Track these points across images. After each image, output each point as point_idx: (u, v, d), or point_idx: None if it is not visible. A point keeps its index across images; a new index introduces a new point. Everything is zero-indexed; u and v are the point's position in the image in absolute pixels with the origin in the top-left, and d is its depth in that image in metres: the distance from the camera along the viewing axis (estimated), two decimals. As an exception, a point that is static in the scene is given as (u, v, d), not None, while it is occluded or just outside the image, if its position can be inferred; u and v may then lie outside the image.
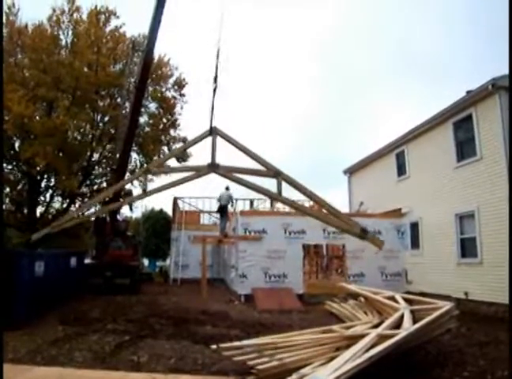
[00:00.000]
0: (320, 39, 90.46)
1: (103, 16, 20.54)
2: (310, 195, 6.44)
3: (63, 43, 20.06)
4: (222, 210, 16.87)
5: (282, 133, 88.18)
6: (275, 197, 6.40)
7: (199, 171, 6.70)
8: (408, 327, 6.17)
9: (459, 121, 12.91)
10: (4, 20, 18.75)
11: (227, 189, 17.02)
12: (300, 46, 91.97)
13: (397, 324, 6.59)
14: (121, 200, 19.18)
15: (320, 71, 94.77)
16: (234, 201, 17.16)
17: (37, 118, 18.51)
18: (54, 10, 19.73)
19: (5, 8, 18.71)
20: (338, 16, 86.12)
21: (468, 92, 12.58)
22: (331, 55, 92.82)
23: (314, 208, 22.90)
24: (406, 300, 8.21)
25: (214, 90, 6.39)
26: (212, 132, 6.70)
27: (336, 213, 6.23)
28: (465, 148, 12.63)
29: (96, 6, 20.25)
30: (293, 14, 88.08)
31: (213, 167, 6.56)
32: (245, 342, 6.05)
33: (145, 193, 8.82)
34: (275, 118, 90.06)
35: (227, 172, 6.62)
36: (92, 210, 9.53)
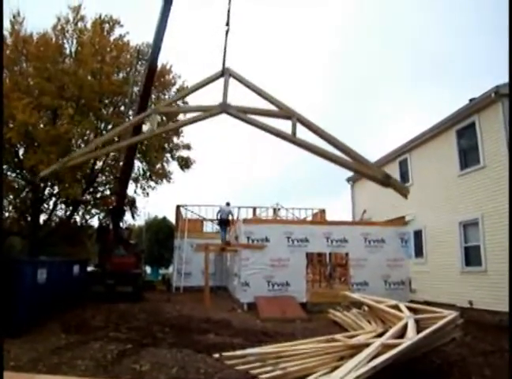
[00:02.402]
0: (329, 39, 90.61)
1: (107, 25, 20.75)
2: (328, 138, 6.06)
3: (67, 51, 20.24)
4: (223, 223, 17.49)
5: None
6: (289, 139, 6.06)
7: (210, 111, 6.59)
8: (412, 336, 6.14)
9: (462, 129, 12.91)
10: (9, 29, 18.98)
11: (227, 204, 17.97)
12: (308, 45, 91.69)
13: (401, 334, 6.55)
14: (125, 208, 19.31)
15: (322, 77, 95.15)
16: (233, 216, 18.20)
17: (41, 126, 18.61)
18: (58, 19, 19.94)
19: (10, 17, 18.98)
20: (347, 17, 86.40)
21: (471, 100, 12.59)
22: (338, 59, 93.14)
23: (317, 218, 23.04)
24: (410, 309, 8.17)
25: (226, 32, 6.64)
26: (224, 73, 6.67)
27: (359, 158, 5.94)
28: (469, 156, 12.61)
29: (100, 15, 20.49)
30: (302, 14, 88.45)
31: (224, 107, 6.44)
32: (248, 351, 6.03)
33: (156, 134, 8.62)
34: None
35: (239, 112, 6.48)
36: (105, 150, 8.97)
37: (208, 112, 6.60)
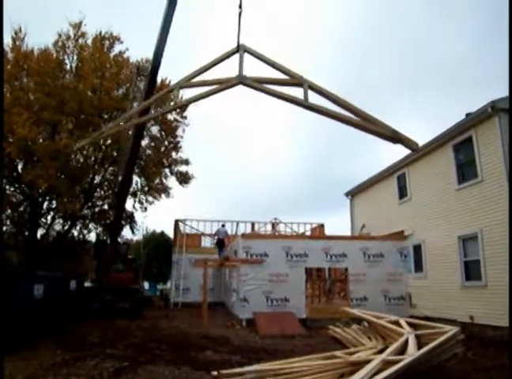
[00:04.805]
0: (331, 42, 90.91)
1: (107, 41, 21.02)
2: (338, 101, 6.37)
3: (68, 67, 20.41)
4: (220, 243, 18.55)
5: (285, 149, 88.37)
6: (302, 103, 6.42)
7: (228, 82, 7.00)
8: (413, 352, 6.07)
9: (459, 144, 12.98)
10: (10, 45, 19.17)
11: (223, 226, 19.65)
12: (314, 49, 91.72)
13: (402, 350, 6.48)
14: (126, 221, 19.24)
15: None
16: (229, 236, 19.54)
17: (40, 140, 18.67)
18: (59, 36, 20.15)
19: (12, 33, 19.18)
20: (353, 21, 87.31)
21: (467, 115, 12.69)
22: (338, 66, 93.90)
23: (315, 233, 23.01)
24: (410, 324, 8.09)
25: (239, 13, 7.16)
26: (239, 49, 7.14)
27: (368, 117, 6.18)
28: (466, 170, 12.66)
29: (100, 32, 20.75)
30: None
31: (241, 78, 6.91)
32: (246, 368, 5.93)
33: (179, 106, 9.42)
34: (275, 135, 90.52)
35: (254, 82, 6.87)
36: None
37: (226, 84, 7.06)
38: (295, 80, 6.72)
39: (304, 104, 6.47)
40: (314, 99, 6.64)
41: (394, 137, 6.11)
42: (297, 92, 6.69)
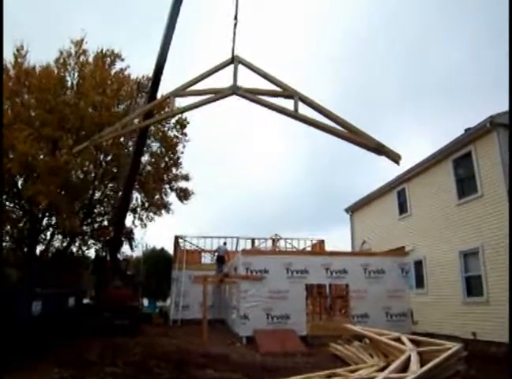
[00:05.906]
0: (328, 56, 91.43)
1: (108, 59, 21.26)
2: (327, 113, 6.71)
3: (69, 84, 20.59)
4: (220, 260, 18.77)
5: (284, 165, 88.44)
6: (292, 114, 6.76)
7: (222, 93, 7.24)
8: (415, 370, 6.00)
9: (459, 159, 13.05)
10: (12, 62, 19.39)
11: (224, 244, 20.19)
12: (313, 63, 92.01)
13: (404, 367, 6.41)
14: (123, 239, 19.17)
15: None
16: (228, 254, 19.61)
17: (41, 156, 18.72)
18: (61, 53, 20.38)
19: (14, 50, 19.42)
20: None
21: (466, 130, 12.79)
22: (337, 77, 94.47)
23: (316, 249, 22.94)
24: (412, 341, 8.03)
25: (235, 25, 7.32)
26: (234, 60, 7.35)
27: (354, 129, 6.47)
28: (466, 185, 12.70)
29: (101, 50, 21.02)
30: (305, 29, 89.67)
31: (234, 89, 7.17)
32: (247, 386, 5.85)
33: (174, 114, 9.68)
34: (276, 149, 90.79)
35: (247, 93, 7.13)
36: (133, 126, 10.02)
37: (219, 94, 7.28)
38: (287, 92, 7.02)
39: (294, 115, 6.80)
40: (307, 112, 6.92)
41: (379, 149, 6.33)
42: (289, 104, 6.97)
